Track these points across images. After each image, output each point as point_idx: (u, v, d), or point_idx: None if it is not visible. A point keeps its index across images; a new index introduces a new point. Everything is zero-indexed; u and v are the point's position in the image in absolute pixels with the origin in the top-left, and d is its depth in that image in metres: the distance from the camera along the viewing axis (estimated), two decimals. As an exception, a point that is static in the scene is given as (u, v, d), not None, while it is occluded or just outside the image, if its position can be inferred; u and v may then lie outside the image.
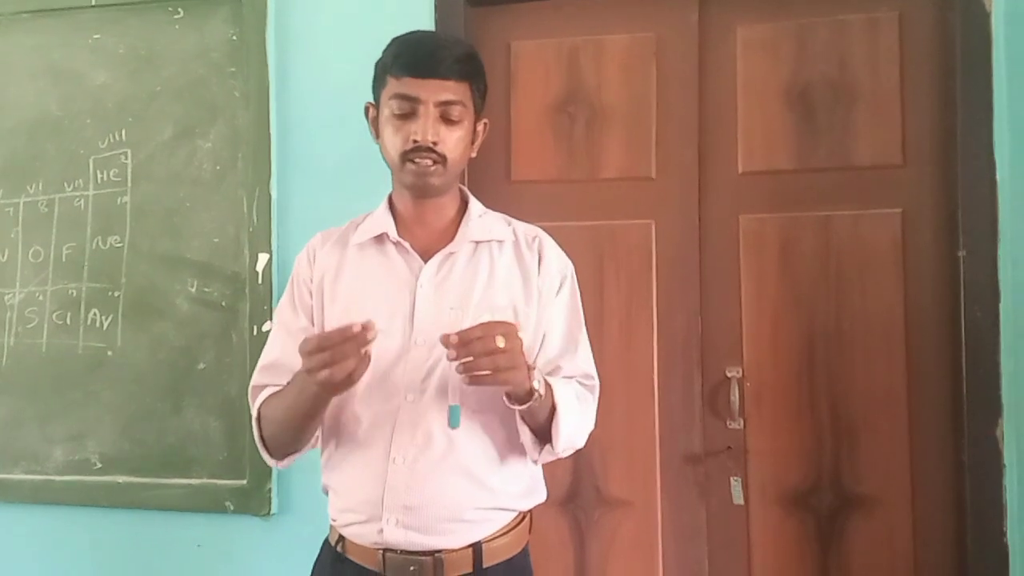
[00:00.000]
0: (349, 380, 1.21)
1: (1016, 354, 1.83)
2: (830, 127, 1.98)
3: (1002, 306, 1.84)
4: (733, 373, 1.99)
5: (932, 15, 1.94)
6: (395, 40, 1.41)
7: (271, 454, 1.43)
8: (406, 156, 1.36)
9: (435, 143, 1.34)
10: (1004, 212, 1.84)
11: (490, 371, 1.19)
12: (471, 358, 1.19)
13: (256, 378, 1.46)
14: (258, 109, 2.11)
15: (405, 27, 2.02)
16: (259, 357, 2.03)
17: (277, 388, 1.42)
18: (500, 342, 1.19)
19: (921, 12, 1.95)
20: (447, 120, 1.36)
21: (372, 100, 1.44)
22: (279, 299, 2.05)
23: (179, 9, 2.18)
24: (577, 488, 2.06)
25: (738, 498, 1.98)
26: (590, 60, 2.09)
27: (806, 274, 1.98)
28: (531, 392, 1.27)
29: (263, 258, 2.09)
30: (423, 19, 2.06)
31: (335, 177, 2.10)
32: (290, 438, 1.40)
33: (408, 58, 1.35)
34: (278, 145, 2.12)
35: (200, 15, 2.17)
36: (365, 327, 1.18)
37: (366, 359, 1.22)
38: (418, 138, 1.34)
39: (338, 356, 1.18)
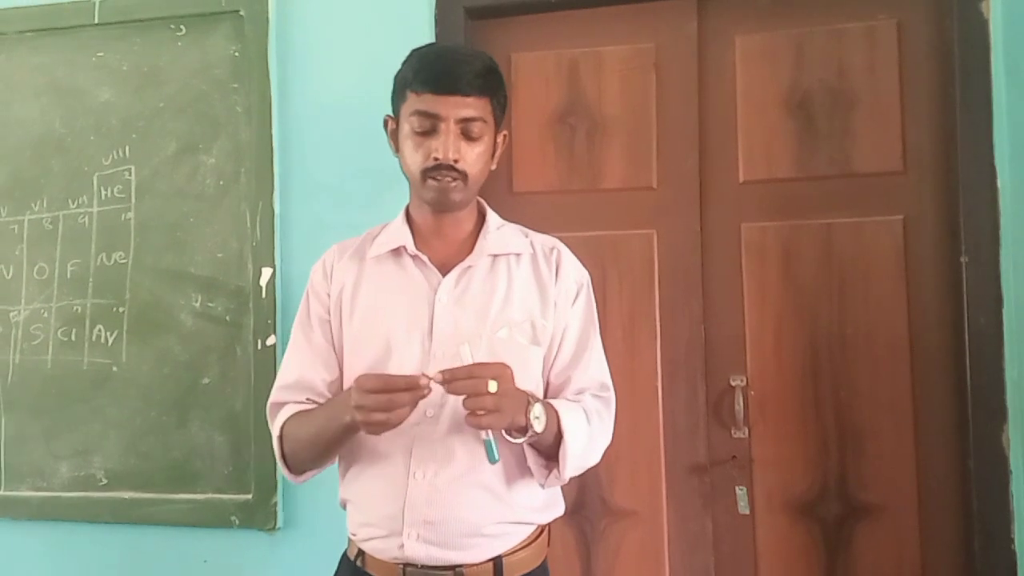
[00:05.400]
0: (395, 425, 1.23)
1: (1020, 359, 1.82)
2: (830, 135, 1.98)
3: (1005, 311, 1.83)
4: (737, 382, 1.99)
5: (930, 22, 1.95)
6: (415, 53, 1.41)
7: (291, 470, 1.44)
8: (427, 173, 1.36)
9: (456, 160, 1.34)
10: (1006, 217, 1.84)
11: (471, 412, 1.21)
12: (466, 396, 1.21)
13: (276, 395, 1.47)
14: (260, 124, 2.12)
15: (406, 41, 2.02)
16: (264, 371, 2.07)
17: (298, 405, 1.42)
18: (492, 386, 1.21)
19: (919, 19, 1.96)
20: (468, 136, 1.35)
21: (391, 113, 1.44)
22: (283, 313, 2.08)
23: (181, 26, 2.19)
24: (583, 499, 2.05)
25: (744, 507, 1.97)
26: (590, 71, 2.10)
27: (808, 282, 1.98)
28: (526, 429, 1.28)
29: (267, 272, 2.10)
30: (423, 33, 2.07)
31: (338, 190, 2.10)
32: (313, 459, 1.42)
33: (428, 74, 1.34)
34: (281, 159, 2.13)
35: (202, 32, 2.18)
36: (430, 379, 1.22)
37: (414, 407, 1.23)
38: (439, 156, 1.33)
39: (397, 402, 1.20)
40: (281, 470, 1.45)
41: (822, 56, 1.99)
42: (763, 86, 2.02)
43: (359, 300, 1.43)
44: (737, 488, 1.98)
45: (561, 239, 1.53)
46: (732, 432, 1.99)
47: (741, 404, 1.97)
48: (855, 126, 1.97)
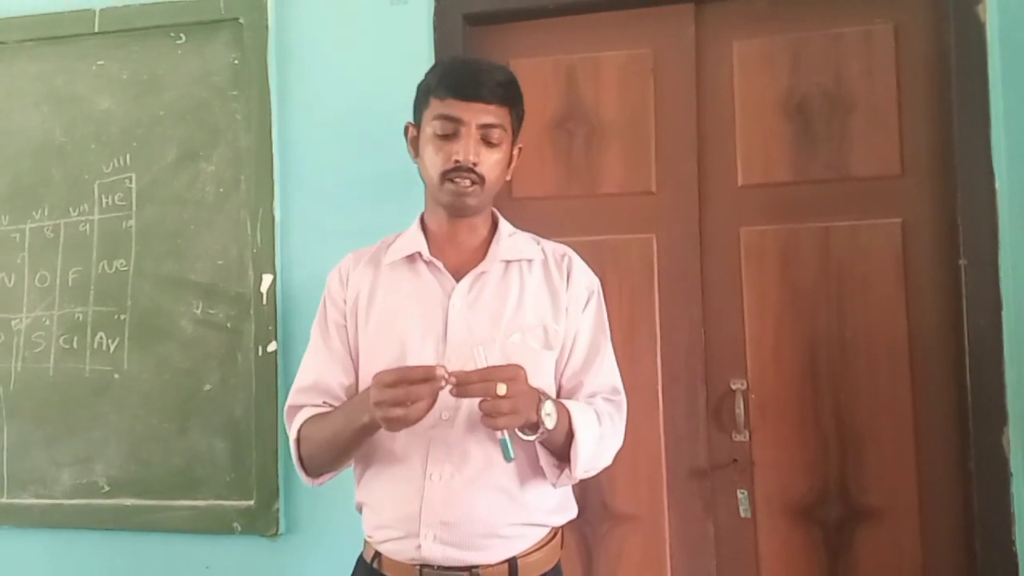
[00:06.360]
0: (415, 419, 1.24)
1: (1019, 361, 1.83)
2: (828, 139, 1.99)
3: (1004, 314, 1.84)
4: (737, 385, 1.99)
5: (927, 26, 1.96)
6: (439, 63, 1.48)
7: (308, 473, 1.46)
8: (446, 176, 1.39)
9: (475, 164, 1.38)
10: (1004, 220, 1.85)
11: (487, 414, 1.23)
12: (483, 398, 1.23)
13: (293, 398, 1.49)
14: (260, 131, 2.13)
15: (404, 48, 2.04)
16: (265, 377, 2.08)
17: (315, 408, 1.45)
18: (501, 389, 1.22)
19: (916, 23, 1.96)
20: (487, 142, 1.39)
21: (412, 120, 1.48)
22: (283, 319, 2.09)
23: (181, 34, 2.20)
24: (584, 503, 2.03)
25: (745, 511, 1.98)
26: (588, 77, 2.11)
27: (808, 285, 1.99)
28: (537, 426, 1.30)
29: (267, 279, 2.10)
30: (422, 39, 2.08)
31: (338, 197, 2.11)
32: (330, 461, 1.44)
33: (453, 80, 1.39)
34: (280, 166, 2.14)
35: (202, 40, 2.19)
36: (445, 372, 1.22)
37: (433, 402, 1.24)
38: (459, 158, 1.37)
39: (415, 395, 1.22)
40: (298, 473, 1.46)
41: (819, 60, 2.00)
42: (761, 90, 2.03)
43: (374, 306, 1.46)
44: (738, 491, 1.98)
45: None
46: (733, 436, 1.99)
47: (741, 408, 1.98)
48: (853, 130, 1.98)
